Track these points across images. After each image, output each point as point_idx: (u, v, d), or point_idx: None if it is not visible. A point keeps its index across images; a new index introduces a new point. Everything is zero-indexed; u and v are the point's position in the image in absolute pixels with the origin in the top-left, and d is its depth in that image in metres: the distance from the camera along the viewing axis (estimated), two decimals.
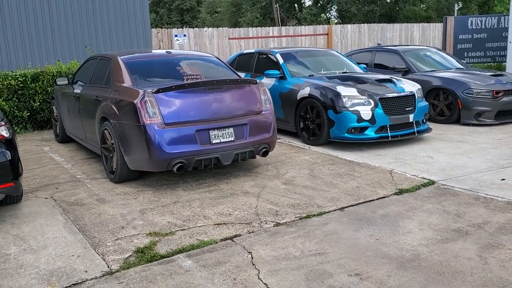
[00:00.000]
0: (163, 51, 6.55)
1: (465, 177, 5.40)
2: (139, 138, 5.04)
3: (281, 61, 7.98)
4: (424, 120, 7.34)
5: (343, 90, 6.79)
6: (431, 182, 5.22)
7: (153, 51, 7.56)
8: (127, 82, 5.55)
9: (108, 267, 3.48)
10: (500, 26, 13.46)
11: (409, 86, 7.23)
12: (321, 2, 33.66)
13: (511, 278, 3.12)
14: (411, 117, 6.99)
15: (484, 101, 8.39)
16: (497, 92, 8.44)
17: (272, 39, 14.14)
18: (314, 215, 4.37)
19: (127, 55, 6.12)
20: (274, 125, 5.75)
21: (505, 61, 12.03)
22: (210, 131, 5.20)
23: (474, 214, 4.29)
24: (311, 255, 3.55)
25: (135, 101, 5.07)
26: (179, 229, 4.14)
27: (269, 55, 8.41)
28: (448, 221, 4.15)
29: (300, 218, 4.31)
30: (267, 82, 7.93)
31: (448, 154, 6.46)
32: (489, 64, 13.96)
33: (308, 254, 3.58)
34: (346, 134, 6.70)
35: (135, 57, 6.10)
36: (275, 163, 6.24)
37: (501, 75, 9.23)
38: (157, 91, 5.08)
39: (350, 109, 6.64)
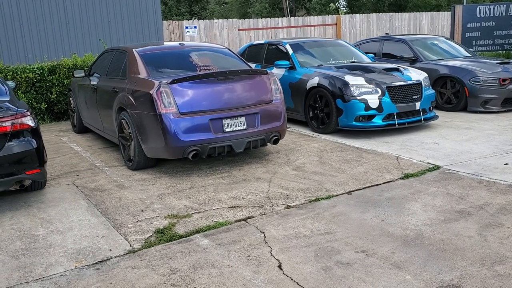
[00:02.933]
0: (176, 43, 6.78)
1: (470, 162, 5.58)
2: (156, 127, 5.29)
3: (290, 51, 8.17)
4: (431, 108, 7.50)
5: (351, 79, 6.98)
6: (436, 167, 5.41)
7: (166, 43, 7.79)
8: (143, 73, 5.78)
9: (130, 246, 3.74)
10: (508, 14, 13.48)
11: (415, 75, 7.39)
12: None
13: (508, 253, 3.33)
14: (418, 105, 7.17)
15: (491, 88, 8.52)
16: (504, 80, 8.56)
17: (281, 30, 14.29)
18: (323, 198, 4.60)
19: (142, 47, 6.35)
20: (284, 114, 5.96)
21: None
22: (223, 120, 5.42)
23: (476, 196, 4.48)
24: (320, 234, 3.78)
25: (151, 92, 5.30)
26: (195, 211, 4.39)
27: (278, 45, 8.59)
28: (452, 203, 4.35)
29: (310, 201, 4.53)
30: (277, 72, 8.13)
31: (454, 140, 6.63)
32: (497, 52, 14.00)
33: (317, 233, 3.81)
34: (354, 122, 6.89)
35: (150, 49, 6.33)
36: (286, 150, 6.46)
37: (508, 63, 9.33)
38: (172, 82, 5.31)
39: (358, 97, 6.83)
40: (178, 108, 5.26)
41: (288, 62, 7.98)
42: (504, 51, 13.95)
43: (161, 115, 5.22)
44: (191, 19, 28.34)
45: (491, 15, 13.79)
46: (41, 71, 9.17)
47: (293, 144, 6.78)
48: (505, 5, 13.92)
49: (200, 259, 3.46)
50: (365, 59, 8.48)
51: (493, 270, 3.11)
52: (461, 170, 5.29)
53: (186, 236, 3.86)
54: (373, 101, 6.83)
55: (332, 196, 4.65)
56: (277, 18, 14.79)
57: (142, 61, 5.94)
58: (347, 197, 4.61)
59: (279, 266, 3.30)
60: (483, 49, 13.87)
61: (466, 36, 13.71)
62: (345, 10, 32.80)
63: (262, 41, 9.29)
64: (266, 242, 3.68)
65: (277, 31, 14.28)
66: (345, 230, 3.86)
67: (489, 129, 7.24)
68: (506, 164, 5.44)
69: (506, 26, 13.45)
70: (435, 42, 10.35)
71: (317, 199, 4.57)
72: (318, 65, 7.90)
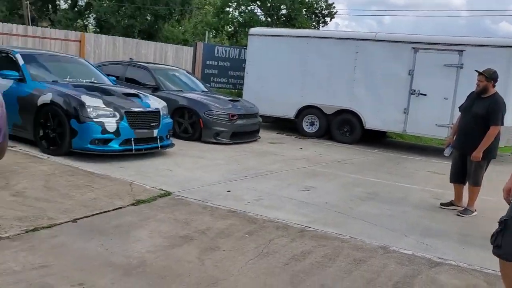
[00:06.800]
0: None
1: (198, 188, 5.91)
2: None
3: (21, 62, 7.34)
4: (168, 136, 7.76)
5: (88, 100, 6.67)
6: (168, 193, 5.54)
7: None
8: None
9: None
10: (241, 58, 15.23)
11: (155, 103, 7.56)
12: (78, 8, 32.19)
13: (220, 275, 3.57)
14: (155, 132, 7.31)
15: (222, 122, 9.37)
16: (233, 115, 9.54)
17: (16, 38, 12.87)
18: (43, 227, 4.16)
19: None
20: (5, 130, 5.25)
21: (242, 89, 13.63)
22: None
23: (200, 221, 4.73)
24: (33, 269, 3.37)
25: None
26: None
27: (8, 54, 7.65)
28: (177, 228, 4.48)
29: (27, 231, 4.03)
30: (4, 83, 7.18)
31: (187, 168, 6.97)
32: (230, 90, 15.59)
33: (30, 268, 3.38)
34: (89, 145, 6.58)
35: None
36: (6, 173, 5.68)
37: (238, 100, 10.49)
38: None
39: (94, 120, 6.56)
40: None
41: (18, 73, 7.16)
42: (236, 90, 15.62)
43: None
44: None
45: (227, 56, 15.34)
46: None
47: (16, 166, 6.03)
48: (238, 49, 15.70)
49: None
50: (106, 81, 8.27)
51: None
52: (190, 196, 5.54)
53: None
54: (110, 124, 6.66)
55: (55, 225, 4.24)
56: (11, 24, 13.29)
57: None
58: (71, 226, 4.28)
59: None
60: (219, 86, 15.23)
61: (206, 72, 14.86)
62: (93, 29, 31.93)
63: None
64: None
65: (10, 39, 12.79)
66: (63, 262, 3.53)
67: (218, 159, 7.88)
68: (229, 191, 5.96)
69: (238, 67, 15.10)
70: (177, 74, 10.89)
71: (35, 229, 4.09)
72: (53, 81, 7.32)
